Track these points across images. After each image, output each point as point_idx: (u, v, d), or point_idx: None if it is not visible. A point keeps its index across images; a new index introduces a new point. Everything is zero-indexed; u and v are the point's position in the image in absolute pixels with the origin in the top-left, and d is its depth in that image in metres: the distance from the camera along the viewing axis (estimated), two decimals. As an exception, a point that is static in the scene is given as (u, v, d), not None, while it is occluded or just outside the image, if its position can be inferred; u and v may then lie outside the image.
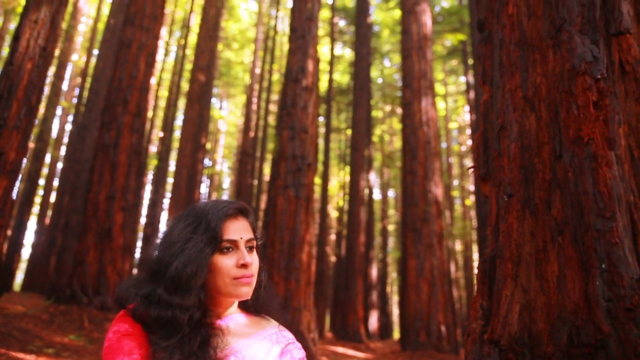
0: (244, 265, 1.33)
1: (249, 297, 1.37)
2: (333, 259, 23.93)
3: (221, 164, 36.64)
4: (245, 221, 1.41)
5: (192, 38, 25.84)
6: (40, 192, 24.24)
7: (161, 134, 21.87)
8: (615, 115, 2.14)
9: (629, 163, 2.11)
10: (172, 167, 23.83)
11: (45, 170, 24.19)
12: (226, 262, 1.32)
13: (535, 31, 2.59)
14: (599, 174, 2.05)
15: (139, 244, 19.08)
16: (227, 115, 36.62)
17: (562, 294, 2.01)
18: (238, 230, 1.37)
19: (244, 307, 1.48)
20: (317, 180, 21.53)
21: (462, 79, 28.05)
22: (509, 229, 2.30)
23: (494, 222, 2.54)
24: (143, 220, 21.40)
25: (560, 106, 2.28)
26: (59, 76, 22.21)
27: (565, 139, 2.21)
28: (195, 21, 25.06)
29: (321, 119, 23.23)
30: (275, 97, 27.82)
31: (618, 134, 2.12)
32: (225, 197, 36.73)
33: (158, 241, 1.40)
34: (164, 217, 21.10)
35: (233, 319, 1.41)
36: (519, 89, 2.53)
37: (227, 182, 38.95)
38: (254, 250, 1.40)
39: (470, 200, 27.76)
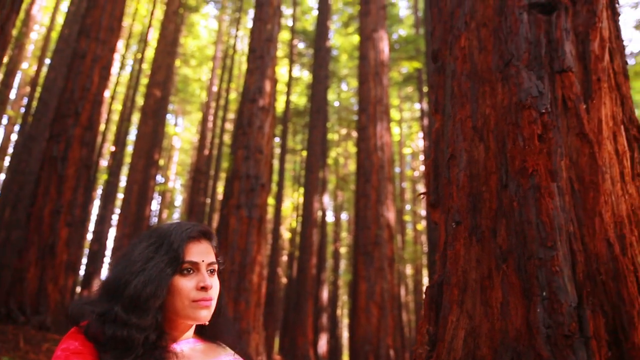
0: (204, 288, 1.31)
1: (207, 322, 1.35)
2: (284, 280, 23.76)
3: (174, 181, 36.03)
4: (208, 244, 1.40)
5: (150, 53, 25.52)
6: (-20, 204, 23.14)
7: (113, 148, 21.37)
8: (558, 148, 2.24)
9: (570, 195, 2.19)
10: (122, 182, 23.26)
11: (-14, 181, 23.17)
12: (186, 284, 1.30)
13: (485, 64, 2.68)
14: (541, 204, 2.13)
15: (84, 260, 18.45)
16: (182, 132, 36.18)
17: (505, 320, 2.06)
18: (200, 252, 1.35)
19: (200, 332, 1.45)
20: (271, 200, 21.44)
21: (417, 105, 28.68)
22: (456, 256, 2.35)
23: (442, 249, 2.58)
24: (90, 236, 20.72)
25: (507, 137, 2.37)
26: (6, 84, 21.46)
27: (511, 170, 2.29)
28: (154, 36, 24.79)
29: (277, 140, 23.25)
30: (231, 115, 27.70)
31: (560, 166, 2.21)
32: (176, 215, 36.09)
33: (117, 259, 1.38)
34: (112, 233, 20.50)
35: (188, 343, 1.38)
36: (468, 119, 2.61)
37: (179, 200, 38.30)
38: (215, 274, 1.39)
39: (422, 225, 28.20)
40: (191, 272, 1.32)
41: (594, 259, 2.05)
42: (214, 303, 1.35)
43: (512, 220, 2.19)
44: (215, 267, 1.38)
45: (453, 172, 2.57)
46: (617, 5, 2.67)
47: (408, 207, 30.87)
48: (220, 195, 24.77)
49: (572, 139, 2.29)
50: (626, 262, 2.02)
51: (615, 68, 2.52)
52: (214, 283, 1.35)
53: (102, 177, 22.86)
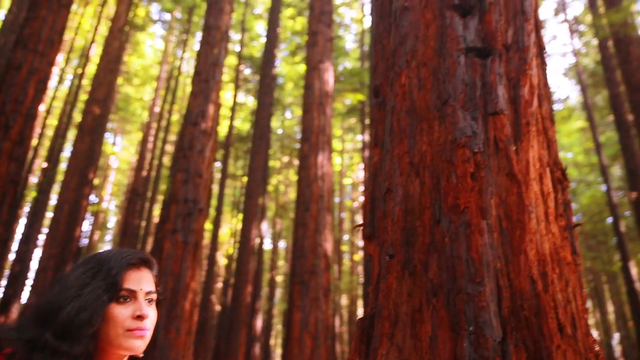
0: (140, 317, 1.25)
1: (141, 353, 1.28)
2: (218, 308, 23.23)
3: (108, 201, 34.82)
4: (148, 273, 1.34)
5: (91, 69, 24.83)
6: None
7: (45, 165, 20.48)
8: (489, 187, 2.33)
9: (498, 232, 2.27)
10: (53, 201, 22.29)
11: None
12: (122, 312, 1.25)
13: (424, 102, 2.77)
14: (472, 240, 2.20)
15: (4, 282, 17.39)
16: (120, 151, 35.18)
17: (433, 353, 2.09)
18: (139, 280, 1.30)
19: None
20: (209, 225, 21.09)
21: (359, 137, 29.16)
22: (389, 289, 2.37)
23: (375, 281, 2.61)
24: (12, 256, 19.59)
25: (442, 174, 2.44)
26: None
27: (444, 206, 2.36)
28: (96, 52, 24.19)
29: (218, 164, 22.99)
30: (172, 137, 27.23)
31: (490, 204, 2.29)
32: (109, 237, 34.83)
33: (52, 284, 1.31)
34: (37, 254, 19.48)
35: None
36: (406, 154, 2.68)
37: (112, 221, 36.99)
38: (153, 304, 1.33)
39: (359, 255, 28.41)
40: (128, 300, 1.27)
41: (518, 295, 2.12)
42: (149, 334, 1.29)
43: (443, 255, 2.25)
44: (154, 296, 1.33)
45: (389, 206, 2.62)
46: (545, 55, 2.84)
47: (346, 237, 31.07)
48: (156, 219, 24.12)
49: (502, 178, 2.39)
50: (547, 299, 2.11)
51: (543, 113, 2.66)
52: (151, 313, 1.30)
53: (31, 195, 21.80)
